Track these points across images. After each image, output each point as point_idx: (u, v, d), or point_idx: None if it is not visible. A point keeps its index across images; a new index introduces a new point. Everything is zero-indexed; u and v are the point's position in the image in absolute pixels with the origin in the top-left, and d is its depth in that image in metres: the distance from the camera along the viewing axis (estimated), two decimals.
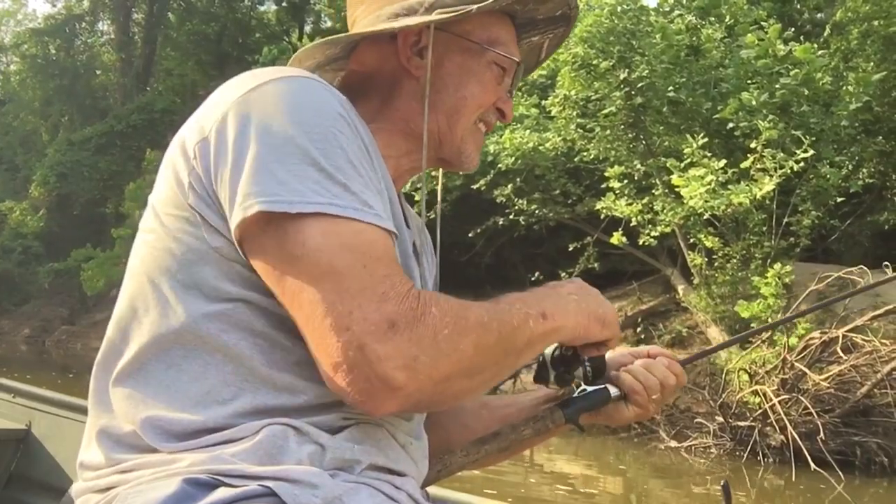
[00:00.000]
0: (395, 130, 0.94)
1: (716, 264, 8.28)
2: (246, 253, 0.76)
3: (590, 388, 1.03)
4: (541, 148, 10.13)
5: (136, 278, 0.83)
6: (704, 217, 7.97)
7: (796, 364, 6.56)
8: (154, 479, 0.74)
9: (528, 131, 10.18)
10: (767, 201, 7.58)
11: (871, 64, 9.08)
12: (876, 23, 9.18)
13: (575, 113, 9.77)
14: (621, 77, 8.74)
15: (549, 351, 1.03)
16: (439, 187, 1.06)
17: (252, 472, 0.72)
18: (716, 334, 8.35)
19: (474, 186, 10.67)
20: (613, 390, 1.04)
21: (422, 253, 0.99)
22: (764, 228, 7.99)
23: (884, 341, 6.38)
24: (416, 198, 3.86)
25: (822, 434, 6.05)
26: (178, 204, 0.80)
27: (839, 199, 8.19)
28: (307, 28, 25.02)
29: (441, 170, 1.05)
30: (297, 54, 0.97)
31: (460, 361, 0.75)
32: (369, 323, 0.71)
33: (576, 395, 1.03)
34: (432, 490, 1.03)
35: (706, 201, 7.41)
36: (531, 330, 0.82)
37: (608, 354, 1.05)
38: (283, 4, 25.65)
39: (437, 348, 0.73)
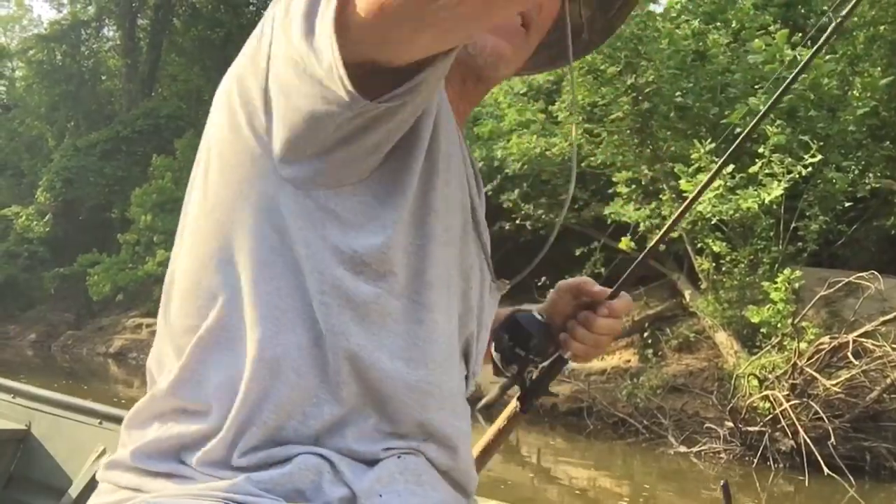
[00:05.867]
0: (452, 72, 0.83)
1: (723, 269, 8.26)
2: None
3: (544, 365, 1.08)
4: (547, 153, 10.12)
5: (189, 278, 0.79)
6: (712, 222, 7.97)
7: (806, 369, 6.54)
8: (179, 494, 0.71)
9: (534, 136, 10.18)
10: (775, 206, 7.58)
11: (878, 69, 9.07)
12: (882, 28, 9.17)
13: (581, 118, 9.79)
14: (628, 82, 8.74)
15: (496, 353, 1.08)
16: None
17: None
18: (723, 339, 8.33)
19: None
20: (566, 354, 1.08)
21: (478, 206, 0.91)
22: (771, 233, 7.98)
23: (894, 346, 6.37)
24: None
25: (832, 439, 6.04)
26: (255, 173, 0.77)
27: (846, 204, 8.18)
28: None
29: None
30: None
31: None
32: None
33: (533, 377, 1.09)
34: None
35: (714, 206, 7.42)
36: None
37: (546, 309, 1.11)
38: None
39: None
